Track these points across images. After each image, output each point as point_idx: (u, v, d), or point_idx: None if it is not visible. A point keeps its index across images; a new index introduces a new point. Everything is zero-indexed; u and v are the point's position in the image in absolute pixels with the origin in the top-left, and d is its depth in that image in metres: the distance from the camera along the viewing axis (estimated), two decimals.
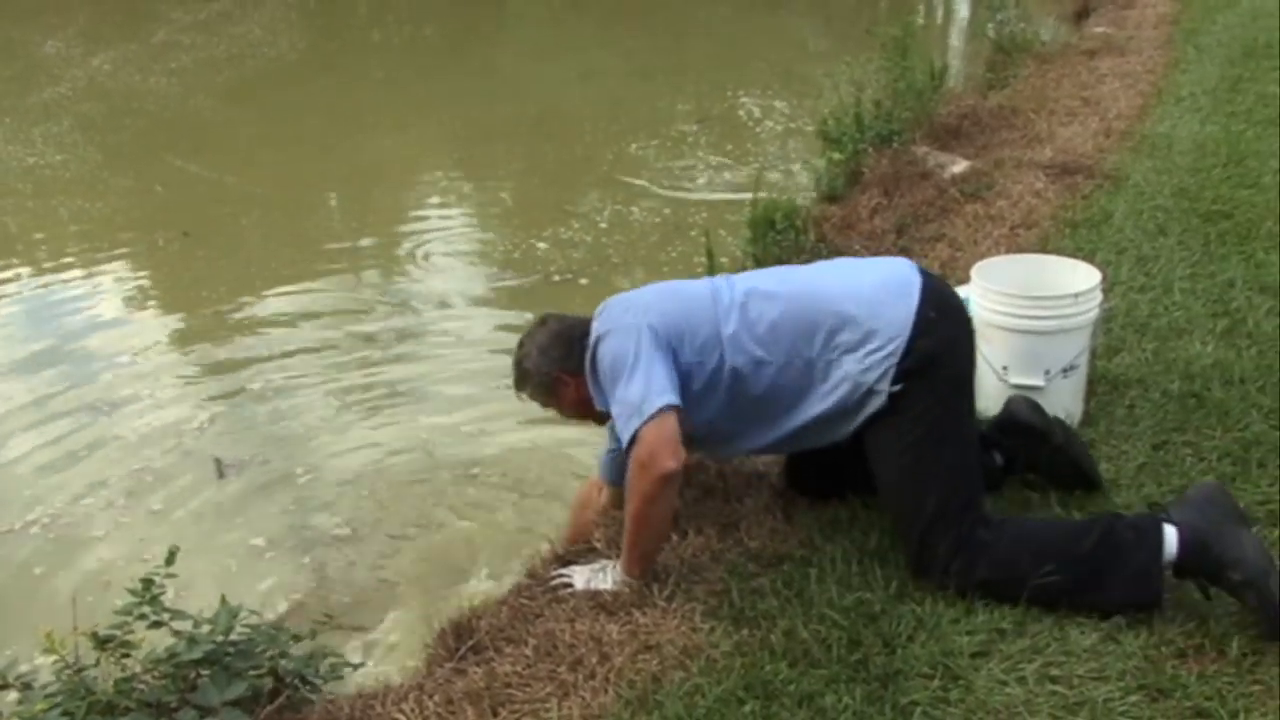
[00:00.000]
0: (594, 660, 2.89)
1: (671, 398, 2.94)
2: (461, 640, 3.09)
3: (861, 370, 3.01)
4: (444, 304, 6.17)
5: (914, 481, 3.04)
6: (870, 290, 3.09)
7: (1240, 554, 2.83)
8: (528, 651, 2.97)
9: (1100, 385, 4.03)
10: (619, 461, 3.27)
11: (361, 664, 3.34)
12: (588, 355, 3.19)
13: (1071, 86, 8.67)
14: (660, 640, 2.92)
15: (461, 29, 14.72)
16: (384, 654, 3.59)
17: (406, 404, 5.09)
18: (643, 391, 2.94)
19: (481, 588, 3.60)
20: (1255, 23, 10.64)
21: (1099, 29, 11.10)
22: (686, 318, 3.11)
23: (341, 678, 3.08)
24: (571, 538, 3.61)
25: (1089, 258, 4.73)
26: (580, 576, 3.23)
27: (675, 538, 3.37)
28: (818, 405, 3.06)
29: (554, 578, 3.29)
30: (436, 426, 4.88)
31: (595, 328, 3.19)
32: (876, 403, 3.02)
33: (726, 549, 3.26)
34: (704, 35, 14.18)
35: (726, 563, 3.19)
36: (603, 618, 3.06)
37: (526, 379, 3.35)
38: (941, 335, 3.05)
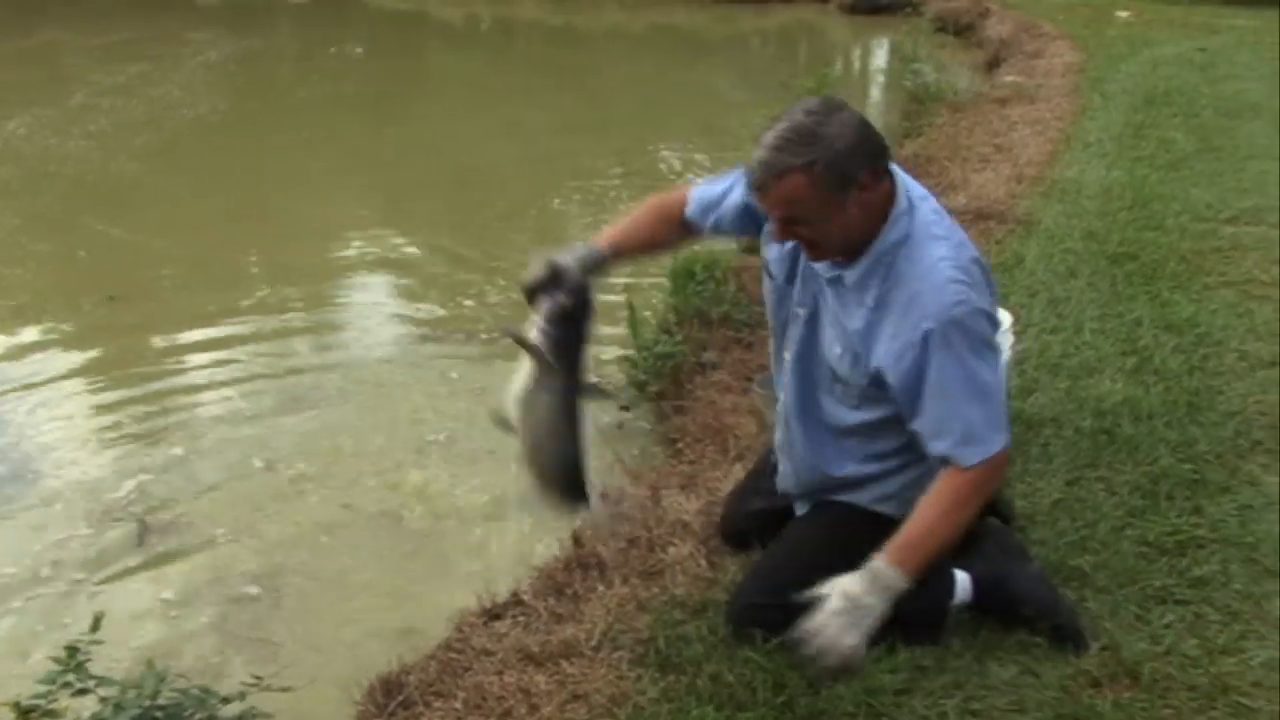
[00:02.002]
0: (523, 711, 2.92)
1: (1009, 430, 2.80)
2: (391, 696, 3.11)
3: None
4: (371, 364, 6.18)
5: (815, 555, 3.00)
6: None
7: (1030, 591, 3.05)
8: (457, 705, 3.00)
9: (1016, 425, 4.11)
10: (725, 218, 3.04)
11: None
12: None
13: (984, 134, 8.86)
14: (588, 689, 2.96)
15: (383, 87, 14.75)
16: (314, 713, 3.58)
17: (331, 465, 5.09)
18: (999, 417, 2.73)
19: (410, 643, 3.58)
20: (1156, 71, 10.97)
21: (1009, 78, 11.35)
22: None
23: None
24: (624, 235, 3.09)
25: (1002, 301, 4.83)
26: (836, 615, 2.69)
27: (601, 587, 3.41)
28: None
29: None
30: (358, 486, 4.88)
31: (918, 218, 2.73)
32: None
33: (652, 597, 3.30)
34: (625, 90, 14.30)
35: (653, 610, 3.22)
36: (530, 669, 3.09)
37: (826, 163, 2.55)
38: None
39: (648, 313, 5.82)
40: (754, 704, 2.81)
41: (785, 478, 3.21)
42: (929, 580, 2.88)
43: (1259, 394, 4.38)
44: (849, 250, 2.74)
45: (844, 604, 2.65)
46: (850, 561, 2.75)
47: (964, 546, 3.01)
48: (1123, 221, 6.42)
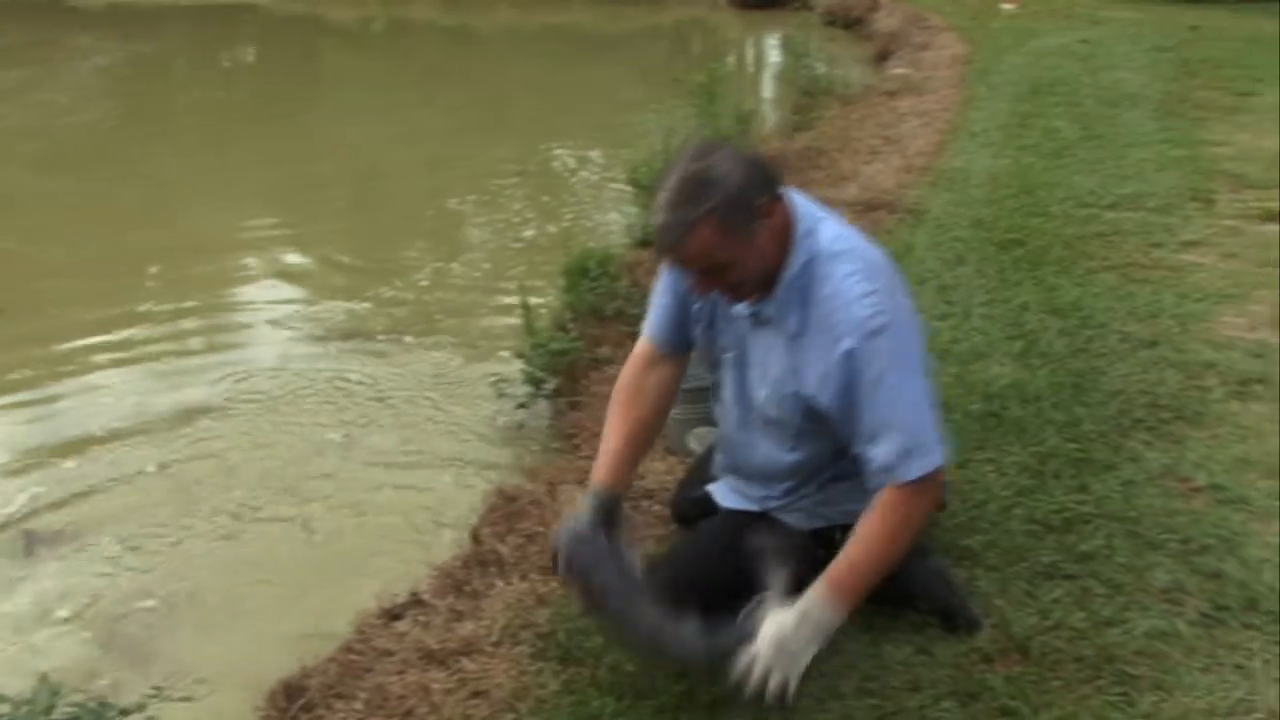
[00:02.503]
0: (424, 710, 2.93)
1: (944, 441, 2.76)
2: (292, 700, 3.10)
3: None
4: (267, 368, 6.12)
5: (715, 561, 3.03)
6: None
7: (924, 584, 3.10)
8: (358, 706, 3.00)
9: None
10: (678, 324, 2.97)
11: None
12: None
13: (874, 126, 8.99)
14: (489, 686, 2.97)
15: (278, 92, 14.60)
16: None
17: (226, 471, 5.04)
18: (933, 427, 2.70)
19: (311, 647, 3.57)
20: (1040, 62, 11.18)
21: (898, 70, 11.52)
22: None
23: None
24: (624, 438, 3.00)
25: None
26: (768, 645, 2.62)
27: (500, 583, 3.42)
28: None
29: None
30: (254, 491, 4.84)
31: (822, 243, 2.70)
32: None
33: (551, 592, 3.31)
34: (521, 91, 14.29)
35: (552, 604, 3.24)
36: (431, 667, 3.09)
37: (724, 205, 2.54)
38: None
39: (543, 310, 5.84)
40: (655, 693, 2.84)
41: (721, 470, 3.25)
42: None
43: (1140, 374, 4.50)
44: (766, 283, 2.72)
45: (774, 649, 2.58)
46: (746, 557, 2.77)
47: None
48: (1009, 209, 6.56)
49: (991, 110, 9.28)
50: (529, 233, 8.41)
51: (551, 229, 8.27)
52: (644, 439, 3.06)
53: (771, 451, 2.95)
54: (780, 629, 2.58)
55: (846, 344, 2.62)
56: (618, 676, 2.90)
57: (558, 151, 10.83)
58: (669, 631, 2.69)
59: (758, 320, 2.80)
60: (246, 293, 7.44)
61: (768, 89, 14.19)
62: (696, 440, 3.93)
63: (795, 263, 2.69)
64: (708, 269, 2.64)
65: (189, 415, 5.53)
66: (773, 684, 2.56)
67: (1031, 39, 12.66)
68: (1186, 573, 3.27)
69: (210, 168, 10.57)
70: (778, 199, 2.65)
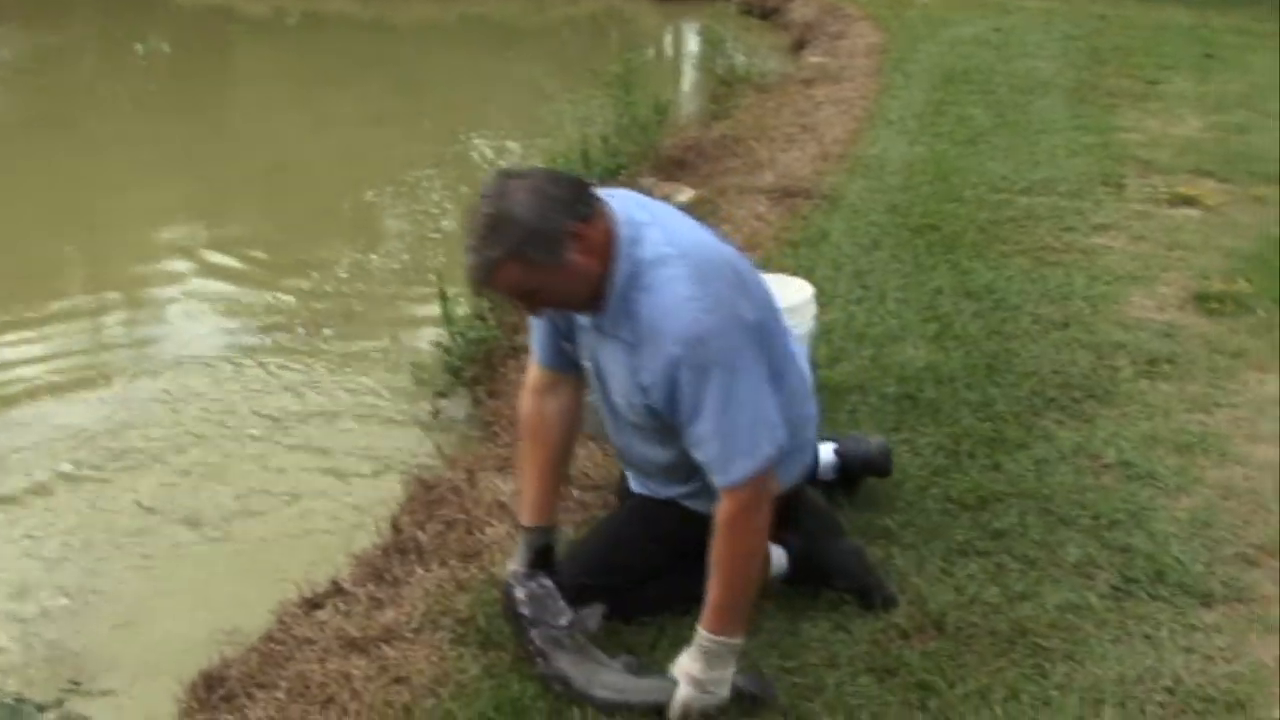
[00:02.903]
0: (346, 698, 2.91)
1: (782, 438, 2.71)
2: (212, 690, 3.08)
3: None
4: (186, 361, 6.04)
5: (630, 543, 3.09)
6: None
7: (841, 564, 3.14)
8: (280, 695, 2.98)
9: (822, 393, 4.19)
10: (554, 342, 2.97)
11: None
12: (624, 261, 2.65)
13: (790, 114, 9.03)
14: (409, 672, 2.96)
15: (191, 83, 14.38)
16: (136, 714, 3.51)
17: (143, 466, 4.98)
18: (762, 427, 2.66)
19: (232, 638, 3.54)
20: (954, 51, 11.29)
21: (815, 59, 11.56)
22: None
23: None
24: (540, 473, 3.05)
25: (809, 274, 4.94)
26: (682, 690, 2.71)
27: (420, 570, 3.41)
28: None
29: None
30: (173, 485, 4.78)
31: (645, 239, 2.67)
32: None
33: (471, 577, 3.31)
34: (437, 81, 14.18)
35: (472, 590, 3.24)
36: (352, 655, 3.08)
37: (522, 243, 2.53)
38: None
39: (461, 300, 5.83)
40: None
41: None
42: None
43: (1052, 354, 4.58)
44: (596, 298, 2.69)
45: (695, 690, 2.67)
46: (671, 545, 2.88)
47: (782, 522, 3.08)
48: (924, 195, 6.63)
49: (907, 98, 9.37)
50: (447, 223, 8.36)
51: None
52: (560, 465, 3.12)
53: (647, 451, 2.95)
54: (691, 668, 2.68)
55: (671, 350, 2.59)
56: None
57: (476, 142, 10.77)
58: (580, 684, 2.78)
59: (600, 332, 2.77)
60: (162, 288, 7.33)
61: (685, 79, 14.21)
62: None
63: (620, 275, 2.65)
64: (525, 296, 2.67)
65: (103, 408, 5.45)
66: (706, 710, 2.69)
67: (946, 28, 12.77)
68: (1097, 547, 3.35)
69: (125, 161, 10.39)
70: (588, 218, 2.60)
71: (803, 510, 3.18)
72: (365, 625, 3.19)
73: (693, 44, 16.58)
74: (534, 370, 3.07)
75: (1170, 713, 2.72)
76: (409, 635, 3.11)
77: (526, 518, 3.04)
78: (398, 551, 3.61)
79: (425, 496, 3.98)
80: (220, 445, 5.09)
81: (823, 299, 4.81)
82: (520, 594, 2.89)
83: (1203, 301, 5.13)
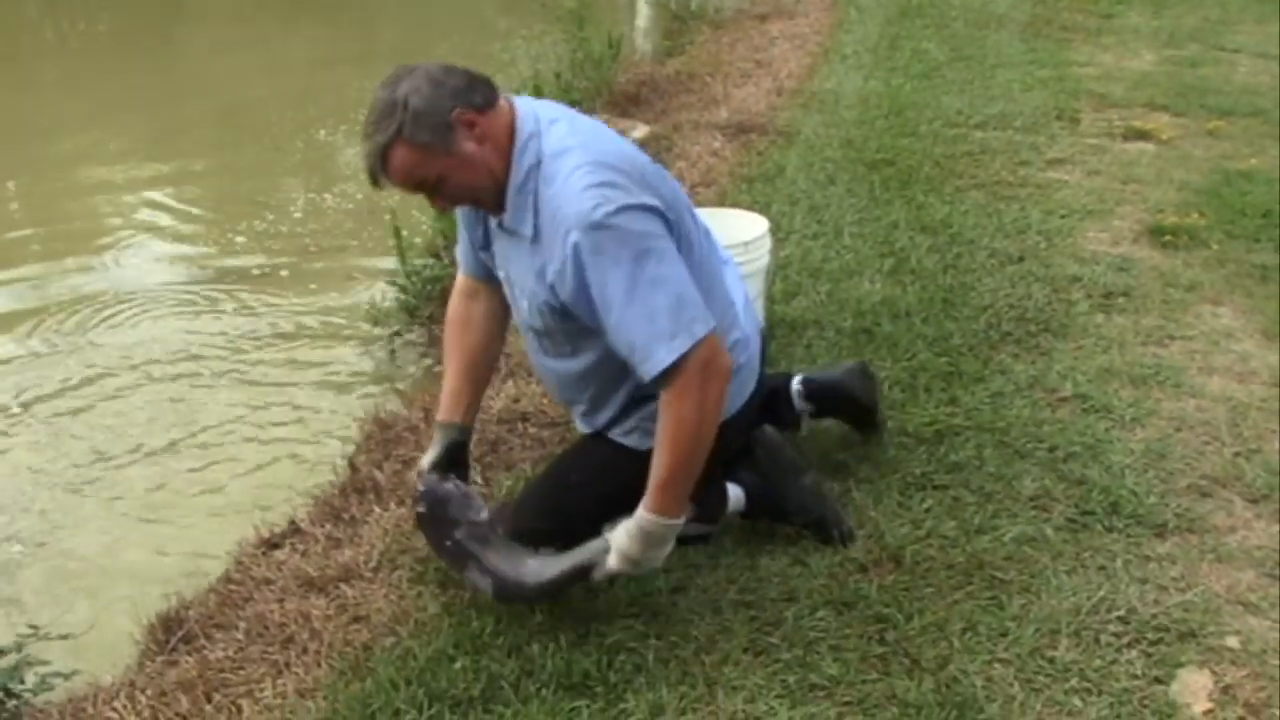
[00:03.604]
0: (305, 637, 2.91)
1: (711, 320, 2.61)
2: (171, 632, 3.06)
3: None
4: (141, 301, 5.97)
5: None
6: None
7: (799, 502, 3.14)
8: (239, 635, 2.97)
9: (779, 328, 4.23)
10: (475, 251, 2.96)
11: (75, 672, 3.25)
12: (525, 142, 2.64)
13: (745, 50, 8.99)
14: (369, 610, 2.97)
15: (139, 26, 14.13)
16: (96, 657, 3.49)
17: (96, 406, 4.94)
18: (682, 311, 2.57)
19: (191, 581, 3.52)
20: None
21: None
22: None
23: (52, 688, 2.98)
24: (459, 370, 3.06)
25: (764, 210, 4.94)
26: (611, 560, 2.72)
27: (377, 510, 3.40)
28: None
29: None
30: (128, 426, 4.76)
31: (544, 133, 2.65)
32: None
33: None
34: (389, 20, 14.03)
35: None
36: (311, 595, 3.08)
37: (413, 124, 2.54)
38: None
39: (416, 238, 5.79)
40: (534, 611, 2.85)
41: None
42: (702, 498, 2.98)
43: (1008, 288, 4.59)
44: (498, 192, 2.67)
45: (627, 566, 2.70)
46: (623, 487, 2.77)
47: (739, 460, 3.11)
48: (879, 129, 6.61)
49: (862, 33, 9.32)
50: None
51: None
52: (481, 366, 3.10)
53: (558, 366, 2.92)
54: (626, 544, 2.68)
55: (573, 238, 2.54)
56: None
57: None
58: (511, 576, 2.79)
59: (506, 233, 2.75)
60: (114, 230, 7.24)
61: (640, 15, 14.09)
62: None
63: (520, 168, 2.63)
64: (422, 187, 2.66)
65: (58, 354, 5.40)
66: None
67: None
68: (1053, 480, 3.37)
69: (71, 104, 10.25)
70: (482, 108, 2.60)
71: (759, 448, 3.18)
72: (323, 565, 3.19)
73: None
74: (459, 277, 3.09)
75: (1124, 642, 2.75)
76: (367, 574, 3.11)
77: (442, 413, 3.03)
78: (355, 491, 3.60)
79: (382, 435, 3.96)
80: (175, 388, 5.06)
81: (779, 234, 4.82)
82: (439, 493, 2.90)
83: (1157, 235, 5.14)
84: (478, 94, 2.60)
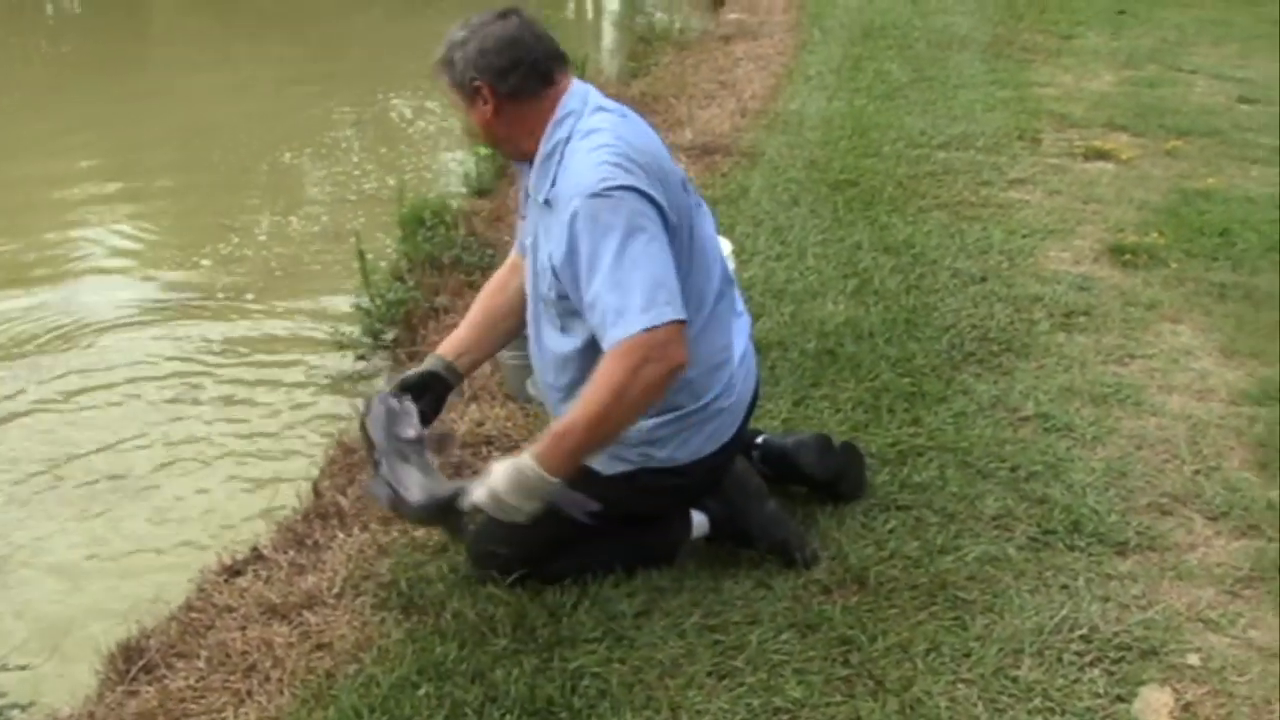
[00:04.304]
0: (267, 665, 2.89)
1: (683, 313, 2.65)
2: (132, 661, 3.03)
3: None
4: (103, 327, 5.92)
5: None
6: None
7: (762, 527, 3.13)
8: (200, 664, 2.94)
9: None
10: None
11: (32, 703, 3.22)
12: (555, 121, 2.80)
13: (709, 71, 9.02)
14: (332, 638, 2.95)
15: (105, 48, 14.07)
16: (54, 687, 3.46)
17: (57, 436, 4.90)
18: (651, 293, 2.60)
19: (153, 609, 3.49)
20: (872, 6, 11.32)
21: (733, 15, 11.57)
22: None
23: None
24: (474, 322, 3.18)
25: (729, 231, 4.97)
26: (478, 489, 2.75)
27: (341, 535, 3.39)
28: None
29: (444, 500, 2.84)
30: (90, 454, 4.72)
31: (575, 113, 2.79)
32: None
33: (393, 541, 3.30)
34: (355, 41, 14.02)
35: (394, 554, 3.23)
36: (274, 622, 3.05)
37: (447, 69, 2.85)
38: None
39: (381, 262, 5.78)
40: (497, 637, 2.84)
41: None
42: (667, 522, 3.06)
43: (970, 308, 4.62)
44: (518, 154, 2.90)
45: (489, 503, 2.72)
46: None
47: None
48: (843, 150, 6.65)
49: (825, 54, 9.38)
50: (368, 185, 8.27)
51: (390, 180, 8.13)
52: (497, 328, 3.20)
53: (553, 343, 2.94)
54: (499, 479, 2.68)
55: (574, 205, 2.65)
56: (460, 623, 2.89)
57: (394, 102, 10.67)
58: (402, 494, 2.84)
59: (532, 199, 2.88)
60: (78, 251, 7.19)
61: (605, 36, 14.15)
62: (534, 386, 3.93)
63: (551, 140, 2.78)
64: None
65: (16, 378, 5.35)
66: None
67: None
68: (1015, 499, 3.39)
69: (38, 124, 10.18)
70: (507, 94, 2.77)
71: (726, 471, 3.18)
72: (286, 591, 3.17)
73: (613, 2, 16.50)
74: (512, 252, 3.24)
75: (1087, 661, 2.76)
76: (330, 601, 3.10)
77: (439, 348, 3.16)
78: (319, 516, 3.58)
79: (345, 460, 3.95)
80: (137, 411, 5.02)
81: (743, 255, 4.85)
82: (384, 404, 2.94)
83: (1117, 254, 5.19)
84: (509, 84, 2.77)
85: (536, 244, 2.89)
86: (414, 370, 3.11)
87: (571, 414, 2.67)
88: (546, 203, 2.77)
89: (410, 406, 2.95)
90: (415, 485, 2.83)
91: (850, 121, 7.22)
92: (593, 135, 2.73)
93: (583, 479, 2.83)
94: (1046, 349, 4.33)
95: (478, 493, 2.72)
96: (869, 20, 10.59)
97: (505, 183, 6.64)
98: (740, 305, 3.13)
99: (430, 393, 3.05)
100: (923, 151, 6.67)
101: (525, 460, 2.66)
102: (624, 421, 2.69)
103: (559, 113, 2.78)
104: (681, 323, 2.63)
